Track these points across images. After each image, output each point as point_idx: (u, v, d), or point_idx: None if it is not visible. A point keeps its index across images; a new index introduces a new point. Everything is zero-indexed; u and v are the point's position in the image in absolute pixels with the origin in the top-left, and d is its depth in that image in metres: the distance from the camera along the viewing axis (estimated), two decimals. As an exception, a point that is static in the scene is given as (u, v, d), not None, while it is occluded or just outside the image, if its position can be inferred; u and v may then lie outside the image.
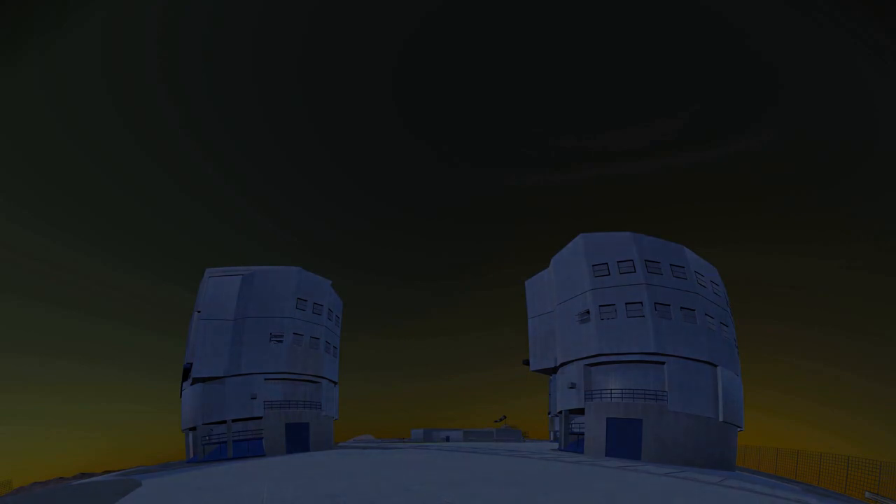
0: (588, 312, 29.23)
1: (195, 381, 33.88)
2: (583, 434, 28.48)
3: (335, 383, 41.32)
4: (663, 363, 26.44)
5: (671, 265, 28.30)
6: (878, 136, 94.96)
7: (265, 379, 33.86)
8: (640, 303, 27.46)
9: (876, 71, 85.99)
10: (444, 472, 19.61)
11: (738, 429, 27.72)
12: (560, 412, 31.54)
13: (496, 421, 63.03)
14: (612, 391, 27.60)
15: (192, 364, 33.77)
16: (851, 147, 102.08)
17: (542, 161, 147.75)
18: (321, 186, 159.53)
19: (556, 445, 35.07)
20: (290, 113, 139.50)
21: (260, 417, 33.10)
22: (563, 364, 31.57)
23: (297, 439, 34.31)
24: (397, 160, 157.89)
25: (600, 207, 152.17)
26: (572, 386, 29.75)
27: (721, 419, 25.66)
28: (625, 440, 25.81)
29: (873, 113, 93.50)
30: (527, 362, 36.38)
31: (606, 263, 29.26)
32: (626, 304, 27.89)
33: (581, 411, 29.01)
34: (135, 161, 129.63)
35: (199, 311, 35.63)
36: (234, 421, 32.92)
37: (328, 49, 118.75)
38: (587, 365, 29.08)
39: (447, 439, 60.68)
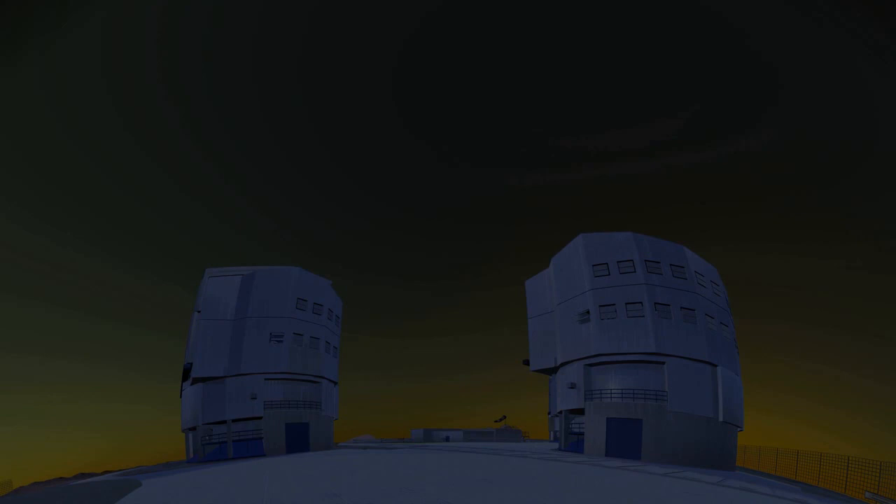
0: (588, 312, 29.22)
1: (195, 381, 33.87)
2: (583, 434, 28.48)
3: (335, 383, 41.32)
4: (663, 363, 26.44)
5: (671, 265, 28.30)
6: (878, 136, 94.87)
7: (265, 379, 33.86)
8: (640, 303, 27.45)
9: (876, 71, 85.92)
10: (444, 472, 19.61)
11: (738, 429, 27.72)
12: (560, 412, 31.53)
13: (496, 421, 63.05)
14: (612, 391, 27.60)
15: (192, 364, 33.78)
16: (851, 147, 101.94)
17: (542, 161, 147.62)
18: (321, 186, 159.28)
19: (556, 445, 35.06)
20: (290, 113, 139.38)
21: (260, 417, 33.09)
22: (563, 364, 31.56)
23: (297, 439, 34.31)
24: (397, 160, 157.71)
25: (600, 207, 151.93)
26: (572, 386, 29.74)
27: (721, 419, 25.66)
28: (625, 440, 25.80)
29: (873, 113, 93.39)
30: (527, 362, 36.37)
31: (606, 263, 29.25)
32: (626, 304, 27.88)
33: (581, 411, 29.01)
34: (135, 161, 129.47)
35: (199, 311, 35.64)
36: (234, 421, 32.91)
37: (328, 49, 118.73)
38: (587, 365, 29.07)
39: (447, 439, 60.68)
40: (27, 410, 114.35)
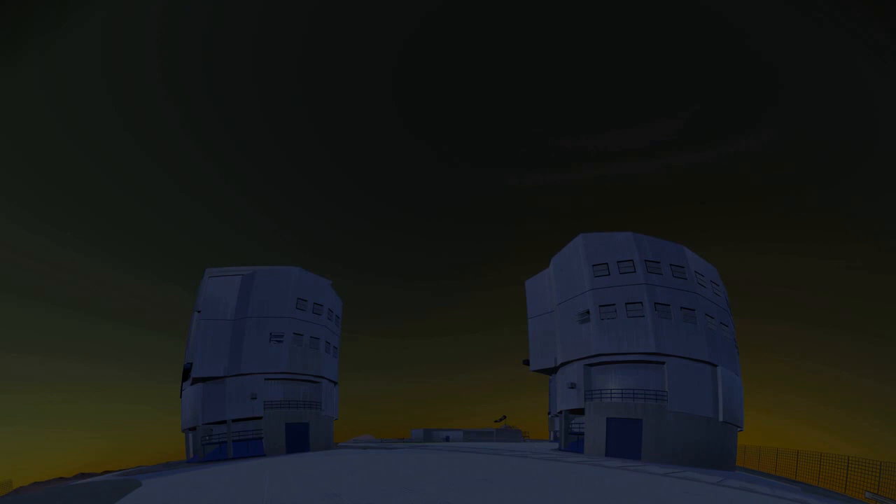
0: (588, 312, 29.22)
1: (195, 381, 33.87)
2: (583, 434, 28.48)
3: (335, 383, 41.32)
4: (663, 363, 26.43)
5: (671, 265, 28.30)
6: (878, 136, 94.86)
7: (265, 379, 33.86)
8: (640, 303, 27.45)
9: (876, 71, 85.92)
10: (444, 472, 19.61)
11: (738, 429, 27.72)
12: (560, 412, 31.53)
13: (496, 421, 63.05)
14: (612, 391, 27.60)
15: (192, 364, 33.79)
16: (851, 147, 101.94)
17: (542, 161, 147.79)
18: (321, 186, 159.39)
19: (556, 445, 35.06)
20: (290, 113, 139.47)
21: (260, 417, 33.09)
22: (563, 364, 31.56)
23: (297, 439, 34.31)
24: (397, 160, 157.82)
25: (600, 207, 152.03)
26: (572, 386, 29.75)
27: (721, 419, 25.66)
28: (625, 440, 25.80)
29: (873, 113, 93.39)
30: (527, 362, 36.37)
31: (606, 263, 29.25)
32: (626, 304, 27.88)
33: (581, 411, 29.00)
34: (135, 161, 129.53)
35: (199, 311, 35.64)
36: (234, 421, 32.91)
37: (328, 49, 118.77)
38: (587, 365, 29.07)
39: (447, 439, 60.68)
40: (27, 410, 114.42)
